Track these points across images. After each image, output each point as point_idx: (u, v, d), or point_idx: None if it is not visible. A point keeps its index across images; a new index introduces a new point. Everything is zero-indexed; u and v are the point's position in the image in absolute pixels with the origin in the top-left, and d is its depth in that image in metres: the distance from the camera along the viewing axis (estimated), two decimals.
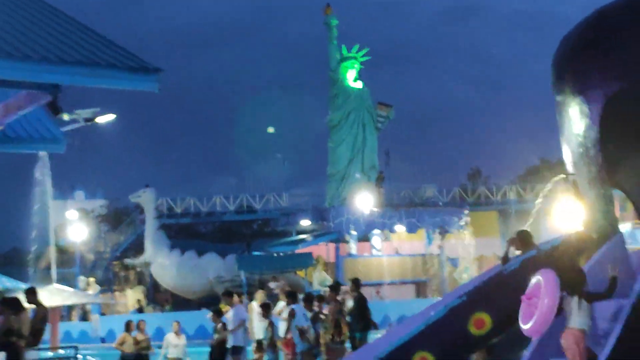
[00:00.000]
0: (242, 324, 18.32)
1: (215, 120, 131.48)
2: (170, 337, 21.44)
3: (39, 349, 17.02)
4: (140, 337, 21.73)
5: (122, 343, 21.62)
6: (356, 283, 19.11)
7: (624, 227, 12.01)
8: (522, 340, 9.73)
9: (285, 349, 18.48)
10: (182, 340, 21.55)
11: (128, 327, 22.17)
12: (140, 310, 43.06)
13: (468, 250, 47.24)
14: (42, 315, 16.38)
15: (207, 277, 43.03)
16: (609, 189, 10.66)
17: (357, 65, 49.49)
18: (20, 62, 12.35)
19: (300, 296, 19.97)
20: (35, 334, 15.83)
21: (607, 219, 10.68)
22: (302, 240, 46.37)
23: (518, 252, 11.56)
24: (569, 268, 9.49)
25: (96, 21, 15.89)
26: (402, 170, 56.55)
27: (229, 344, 18.17)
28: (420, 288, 46.31)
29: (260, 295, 22.96)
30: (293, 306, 18.26)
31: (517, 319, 10.62)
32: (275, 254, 44.05)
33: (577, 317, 9.08)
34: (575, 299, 9.11)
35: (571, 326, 9.09)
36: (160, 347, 21.78)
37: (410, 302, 37.20)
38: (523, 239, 12.01)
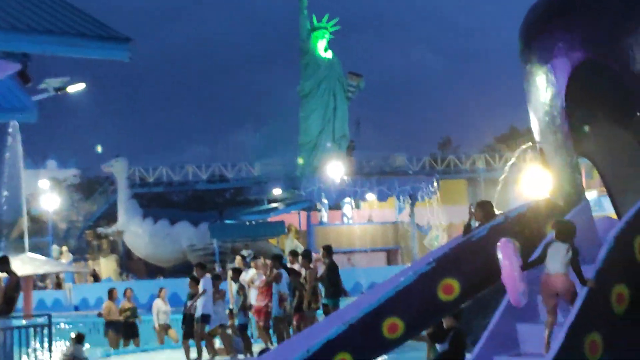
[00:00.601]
0: (204, 293, 18.32)
1: (188, 90, 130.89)
2: (159, 303, 21.53)
3: (12, 317, 16.98)
4: (126, 304, 21.81)
5: (107, 311, 21.67)
6: (328, 250, 19.14)
7: (590, 195, 12.07)
8: (491, 305, 9.80)
9: (257, 316, 18.55)
10: (168, 306, 21.71)
11: (111, 294, 22.24)
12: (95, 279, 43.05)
13: (437, 218, 47.41)
14: (15, 283, 16.35)
15: (180, 245, 43.13)
16: (575, 157, 10.72)
17: (327, 35, 49.39)
18: None
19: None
20: (8, 302, 15.83)
21: (574, 187, 10.76)
22: (274, 209, 46.46)
23: (477, 223, 11.60)
24: (559, 222, 9.57)
25: None
26: (372, 139, 56.77)
27: (198, 313, 18.20)
28: (391, 255, 46.57)
29: (238, 261, 23.06)
30: (280, 270, 18.36)
31: (486, 285, 10.76)
32: (247, 222, 44.12)
33: (558, 264, 9.17)
34: (563, 247, 9.20)
35: (554, 272, 9.20)
36: None
37: (380, 269, 37.45)
38: (483, 210, 12.09)
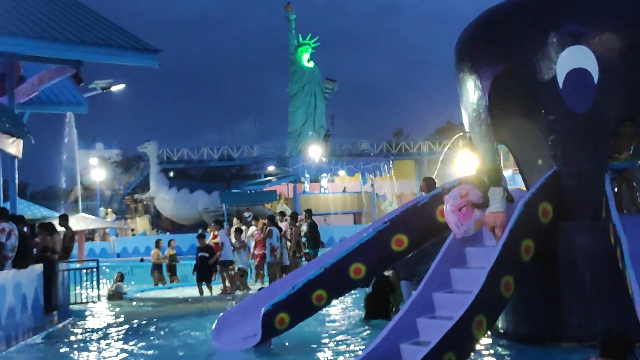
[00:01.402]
0: (222, 245, 18.27)
1: (203, 89, 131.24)
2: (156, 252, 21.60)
3: (69, 262, 16.97)
4: (169, 252, 21.73)
5: (156, 257, 21.62)
6: (309, 213, 19.19)
7: (506, 172, 12.10)
8: (431, 254, 9.80)
9: (256, 261, 18.58)
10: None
11: (157, 244, 22.10)
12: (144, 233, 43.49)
13: (391, 189, 47.86)
14: (71, 236, 16.34)
15: (197, 208, 43.13)
16: (496, 143, 10.73)
17: (310, 50, 49.94)
18: (51, 43, 12.23)
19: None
20: (66, 250, 15.81)
21: (494, 166, 10.77)
22: (269, 181, 47.09)
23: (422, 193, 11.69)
24: (490, 170, 9.74)
25: (107, 10, 15.59)
26: (343, 129, 56.78)
27: (221, 259, 18.24)
28: (357, 217, 46.77)
29: (236, 222, 23.03)
30: (272, 228, 18.37)
31: (428, 239, 10.79)
32: (248, 191, 44.34)
33: (497, 204, 9.28)
34: (499, 190, 9.31)
35: (495, 210, 9.29)
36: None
37: (349, 227, 37.40)
38: (428, 184, 12.21)
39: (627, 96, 9.34)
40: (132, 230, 46.11)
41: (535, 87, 9.65)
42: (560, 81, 9.38)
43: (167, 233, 40.28)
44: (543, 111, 9.71)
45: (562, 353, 9.08)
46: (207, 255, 18.20)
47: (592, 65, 9.20)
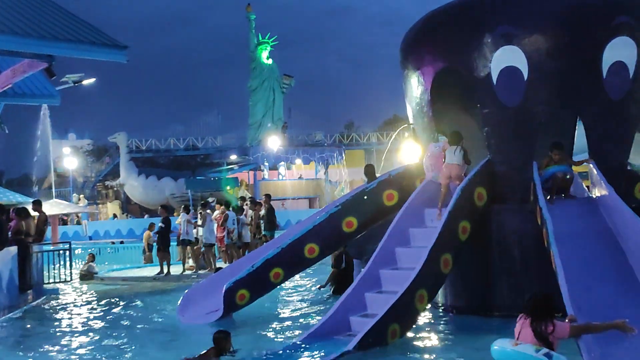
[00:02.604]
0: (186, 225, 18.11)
1: (170, 84, 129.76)
2: (149, 234, 21.14)
3: (43, 244, 16.64)
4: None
5: (147, 237, 21.15)
6: (268, 197, 19.12)
7: (412, 165, 12.23)
8: (378, 235, 9.87)
9: (218, 242, 18.47)
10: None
11: (150, 227, 21.52)
12: (115, 216, 42.92)
13: (343, 176, 48.15)
14: (44, 220, 15.99)
15: (164, 194, 42.69)
16: (436, 134, 10.85)
17: (268, 48, 49.88)
18: (24, 39, 11.93)
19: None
20: (39, 233, 15.47)
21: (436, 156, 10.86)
22: (231, 169, 46.86)
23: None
24: (452, 132, 10.20)
25: (78, 9, 15.23)
26: (299, 121, 56.85)
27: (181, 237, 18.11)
28: (311, 202, 46.75)
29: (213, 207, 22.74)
30: (227, 212, 18.25)
31: (375, 221, 10.84)
32: (212, 178, 44.18)
33: (454, 158, 9.83)
34: (457, 147, 9.88)
35: (450, 162, 9.88)
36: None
37: (304, 211, 37.39)
38: (369, 171, 12.28)
39: (553, 92, 9.49)
40: (103, 215, 45.49)
41: (472, 83, 9.75)
42: (494, 78, 9.49)
43: (146, 216, 39.72)
44: (479, 105, 9.85)
45: (494, 322, 9.23)
46: (163, 226, 18.10)
47: (522, 64, 9.33)
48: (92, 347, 9.43)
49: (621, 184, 9.07)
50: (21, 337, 10.40)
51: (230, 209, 18.71)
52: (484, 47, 9.50)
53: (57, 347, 9.47)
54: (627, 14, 9.28)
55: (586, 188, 10.33)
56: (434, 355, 8.02)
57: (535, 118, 9.52)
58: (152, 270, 18.80)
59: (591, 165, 9.30)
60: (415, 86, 10.63)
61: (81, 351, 9.20)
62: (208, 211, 18.67)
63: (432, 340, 8.74)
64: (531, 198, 9.17)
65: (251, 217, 18.59)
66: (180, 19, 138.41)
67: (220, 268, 14.29)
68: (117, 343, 9.51)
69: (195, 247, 18.22)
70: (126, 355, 8.79)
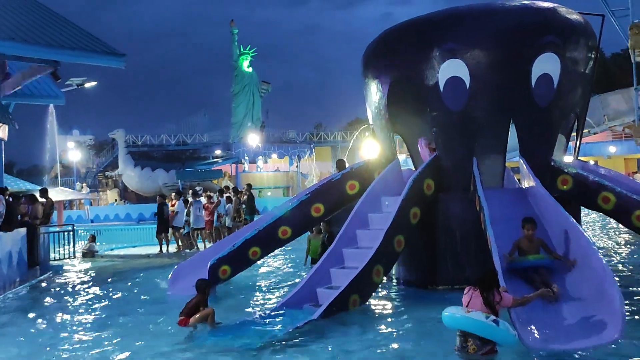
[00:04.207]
0: (176, 213, 17.98)
1: (163, 87, 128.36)
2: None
3: (49, 226, 16.39)
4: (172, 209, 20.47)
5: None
6: (249, 187, 19.10)
7: (401, 157, 12.30)
8: (342, 219, 9.90)
9: (206, 226, 18.36)
10: None
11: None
12: (116, 201, 42.55)
13: (313, 169, 48.29)
14: (51, 205, 15.77)
15: (157, 183, 42.22)
16: (392, 134, 10.90)
17: (249, 58, 50.04)
18: (34, 46, 11.75)
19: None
20: (46, 217, 15.25)
21: (390, 152, 10.94)
22: (216, 162, 46.87)
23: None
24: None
25: (83, 22, 15.00)
26: (275, 121, 56.93)
27: (172, 224, 17.97)
28: (285, 191, 46.81)
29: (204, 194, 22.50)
30: (220, 199, 18.23)
31: (339, 207, 10.86)
32: (199, 170, 43.94)
33: None
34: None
35: None
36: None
37: (279, 198, 37.38)
38: (339, 164, 12.34)
39: (491, 99, 9.58)
40: (103, 200, 44.83)
41: (422, 90, 9.80)
42: (441, 86, 9.55)
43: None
44: (428, 109, 9.90)
45: (439, 293, 9.37)
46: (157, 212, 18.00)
47: (465, 75, 9.39)
48: (92, 313, 9.39)
49: (546, 177, 9.24)
50: (30, 307, 10.26)
51: (224, 197, 18.59)
52: (433, 59, 9.56)
53: (60, 314, 9.39)
54: (553, 33, 9.41)
55: (517, 180, 10.53)
56: (389, 320, 8.12)
57: (476, 121, 9.61)
58: (145, 250, 18.67)
59: (521, 161, 9.46)
60: (374, 92, 10.66)
61: (82, 316, 9.14)
62: (204, 197, 18.60)
63: (386, 308, 8.82)
64: (471, 188, 9.29)
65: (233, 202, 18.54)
66: (172, 32, 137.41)
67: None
68: (116, 311, 9.45)
69: (180, 230, 18.13)
70: (121, 319, 8.76)
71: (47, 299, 11.01)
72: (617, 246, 14.97)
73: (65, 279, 13.55)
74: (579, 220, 9.85)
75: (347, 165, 12.31)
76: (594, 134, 37.78)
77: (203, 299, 7.94)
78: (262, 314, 8.31)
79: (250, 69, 49.74)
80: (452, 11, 9.80)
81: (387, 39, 10.40)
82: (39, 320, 9.01)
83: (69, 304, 10.39)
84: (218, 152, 48.42)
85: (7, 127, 13.64)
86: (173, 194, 19.51)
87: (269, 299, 9.91)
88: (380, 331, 7.58)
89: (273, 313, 8.21)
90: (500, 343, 5.86)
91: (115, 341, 7.53)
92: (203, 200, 19.14)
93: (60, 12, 14.43)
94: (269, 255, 11.95)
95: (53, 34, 12.68)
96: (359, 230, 9.47)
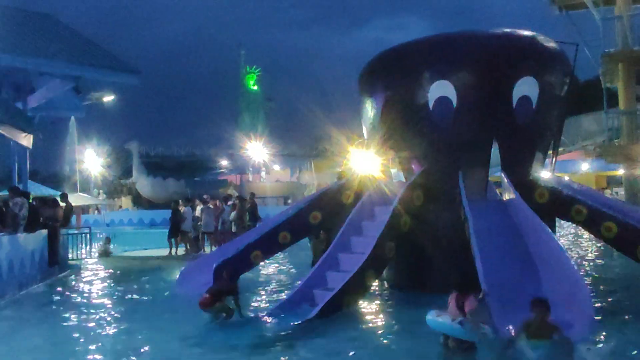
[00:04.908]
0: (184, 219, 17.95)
1: (174, 102, 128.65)
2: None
3: (69, 228, 16.34)
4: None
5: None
6: (252, 195, 19.06)
7: (393, 170, 12.26)
8: (338, 227, 9.87)
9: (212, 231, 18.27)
10: None
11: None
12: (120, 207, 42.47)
13: (312, 180, 48.23)
14: (70, 208, 15.71)
15: (168, 191, 42.15)
16: (385, 148, 10.86)
17: (255, 77, 50.20)
18: (58, 62, 11.79)
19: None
20: (66, 219, 15.19)
21: (383, 165, 10.93)
22: (223, 172, 46.87)
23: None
24: None
25: (103, 40, 15.05)
26: (278, 135, 56.76)
27: (181, 228, 17.92)
28: (286, 200, 46.83)
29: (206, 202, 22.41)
30: (224, 206, 18.16)
31: (335, 215, 10.79)
32: (207, 180, 43.96)
33: None
34: None
35: None
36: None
37: (280, 207, 37.34)
38: (339, 176, 12.29)
39: (475, 117, 9.58)
40: (120, 206, 44.70)
41: (414, 108, 9.81)
42: (431, 105, 9.55)
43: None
44: (419, 126, 9.91)
45: (427, 297, 9.29)
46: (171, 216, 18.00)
47: (452, 95, 9.41)
48: (107, 308, 9.37)
49: (525, 190, 9.23)
50: (50, 301, 10.27)
51: (228, 204, 18.54)
52: (423, 80, 9.58)
53: (78, 309, 9.37)
54: (532, 59, 9.48)
55: (498, 193, 10.52)
56: (379, 318, 8.12)
57: (462, 137, 9.61)
58: (157, 252, 18.58)
59: (502, 175, 9.46)
60: (369, 110, 10.67)
61: (98, 311, 9.11)
62: (210, 205, 18.52)
63: (377, 308, 8.81)
64: (457, 200, 9.29)
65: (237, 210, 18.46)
66: (183, 52, 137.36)
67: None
68: (129, 306, 9.44)
69: (188, 234, 18.07)
70: (136, 315, 8.76)
71: (66, 295, 10.98)
72: (588, 254, 14.99)
73: (82, 277, 13.50)
74: (553, 230, 9.84)
75: (344, 177, 12.29)
76: (569, 152, 37.94)
77: (233, 289, 7.90)
78: (263, 313, 8.27)
79: (256, 87, 49.95)
80: (442, 37, 9.86)
81: (382, 60, 10.43)
82: (59, 314, 9.00)
83: (86, 299, 10.37)
84: (224, 163, 48.42)
85: (32, 136, 13.64)
86: (181, 200, 19.45)
87: (269, 299, 9.88)
88: (372, 330, 7.56)
89: (272, 313, 8.17)
90: (470, 340, 5.94)
91: (127, 334, 7.54)
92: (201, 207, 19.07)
93: (82, 31, 14.51)
94: (270, 258, 11.90)
95: (75, 51, 12.75)
96: (353, 237, 9.46)
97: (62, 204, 15.42)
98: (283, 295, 9.60)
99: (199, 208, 18.59)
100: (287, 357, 6.39)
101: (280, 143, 55.62)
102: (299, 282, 9.00)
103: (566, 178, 12.33)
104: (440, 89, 9.42)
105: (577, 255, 14.43)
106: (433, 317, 6.17)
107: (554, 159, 10.84)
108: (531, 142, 9.83)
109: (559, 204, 9.36)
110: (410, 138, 10.34)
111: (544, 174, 10.42)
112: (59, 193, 19.65)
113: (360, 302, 8.69)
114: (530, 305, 5.69)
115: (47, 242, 13.41)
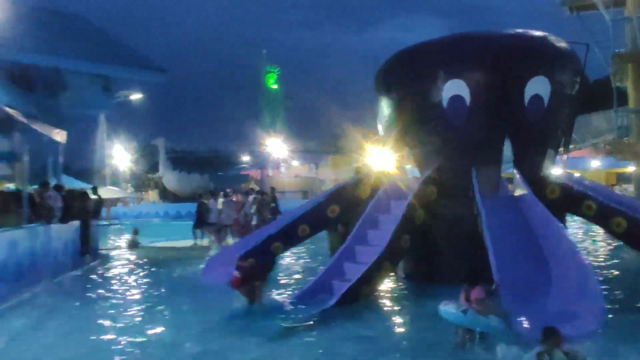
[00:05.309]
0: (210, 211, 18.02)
1: (198, 100, 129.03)
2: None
3: (99, 220, 16.54)
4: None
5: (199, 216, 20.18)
6: (272, 190, 19.12)
7: (408, 166, 12.18)
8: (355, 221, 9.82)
9: (235, 223, 18.34)
10: None
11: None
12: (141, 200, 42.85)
13: (329, 175, 48.13)
14: (100, 201, 15.91)
15: (192, 185, 42.46)
16: (401, 145, 10.80)
17: (275, 76, 50.19)
18: (89, 62, 11.91)
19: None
20: (97, 211, 15.38)
21: (398, 161, 10.87)
22: (244, 167, 47.07)
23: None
24: None
25: (130, 38, 15.15)
26: (297, 132, 56.76)
27: (208, 220, 18.00)
28: (305, 194, 46.89)
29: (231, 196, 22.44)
30: (246, 199, 18.24)
31: (353, 209, 10.74)
32: (229, 174, 44.19)
33: None
34: None
35: None
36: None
37: (299, 200, 37.40)
38: (357, 172, 12.25)
39: (488, 115, 9.46)
40: (145, 200, 45.13)
41: (428, 106, 9.72)
42: (445, 103, 9.47)
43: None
44: (433, 123, 9.84)
45: (441, 287, 9.21)
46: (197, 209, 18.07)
47: (466, 93, 9.31)
48: (137, 295, 9.53)
49: (536, 186, 9.12)
50: (82, 288, 10.43)
51: (250, 198, 18.56)
52: (438, 79, 9.49)
53: (109, 294, 9.54)
54: (544, 59, 9.34)
55: (510, 189, 10.40)
56: (394, 308, 8.11)
57: (475, 135, 9.52)
58: (183, 242, 18.70)
59: (515, 172, 9.35)
60: (385, 107, 10.61)
61: (128, 297, 9.29)
62: (233, 198, 18.57)
63: (393, 298, 8.79)
64: (470, 194, 9.20)
65: (258, 203, 18.48)
66: (206, 51, 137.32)
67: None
68: (155, 293, 9.56)
69: (212, 226, 18.15)
70: (162, 302, 8.88)
71: (97, 281, 11.16)
72: (598, 248, 14.75)
73: (112, 265, 13.67)
74: (564, 224, 9.69)
75: (360, 172, 12.24)
76: (579, 149, 37.39)
77: (262, 274, 7.95)
78: (282, 302, 8.30)
79: (276, 86, 49.97)
80: (456, 37, 9.75)
81: (398, 60, 10.34)
82: (90, 299, 9.16)
83: (115, 286, 10.52)
84: (246, 158, 48.59)
85: (65, 133, 13.82)
86: (206, 193, 19.56)
87: (289, 289, 9.88)
88: (387, 319, 7.55)
89: (292, 301, 8.18)
90: (474, 328, 5.98)
91: (154, 319, 7.63)
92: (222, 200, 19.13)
93: (107, 29, 14.60)
94: (290, 250, 11.90)
95: (105, 52, 12.86)
96: (369, 230, 9.42)
97: (93, 197, 15.62)
98: (302, 286, 9.61)
99: (220, 200, 18.68)
100: (306, 345, 6.40)
101: (299, 139, 55.71)
102: (318, 273, 8.99)
103: (577, 175, 12.14)
104: (454, 88, 9.32)
105: (586, 251, 14.19)
106: (442, 307, 6.26)
107: (565, 156, 10.69)
108: (543, 140, 9.70)
109: (570, 200, 9.25)
110: (425, 135, 10.25)
111: (555, 171, 10.27)
112: (90, 186, 19.93)
113: (377, 292, 8.65)
114: (542, 335, 5.10)
115: (79, 233, 13.60)
